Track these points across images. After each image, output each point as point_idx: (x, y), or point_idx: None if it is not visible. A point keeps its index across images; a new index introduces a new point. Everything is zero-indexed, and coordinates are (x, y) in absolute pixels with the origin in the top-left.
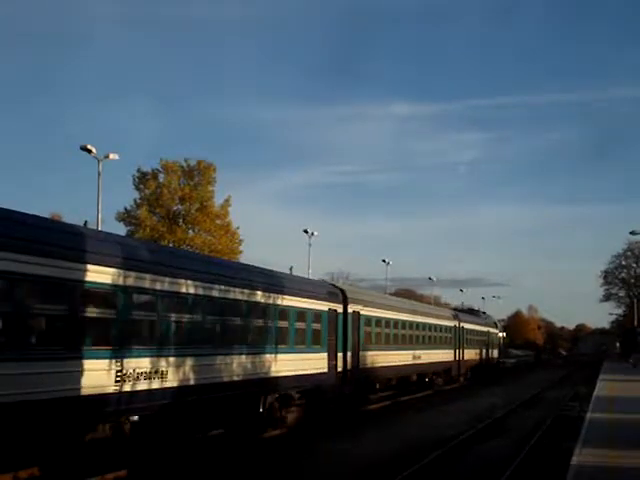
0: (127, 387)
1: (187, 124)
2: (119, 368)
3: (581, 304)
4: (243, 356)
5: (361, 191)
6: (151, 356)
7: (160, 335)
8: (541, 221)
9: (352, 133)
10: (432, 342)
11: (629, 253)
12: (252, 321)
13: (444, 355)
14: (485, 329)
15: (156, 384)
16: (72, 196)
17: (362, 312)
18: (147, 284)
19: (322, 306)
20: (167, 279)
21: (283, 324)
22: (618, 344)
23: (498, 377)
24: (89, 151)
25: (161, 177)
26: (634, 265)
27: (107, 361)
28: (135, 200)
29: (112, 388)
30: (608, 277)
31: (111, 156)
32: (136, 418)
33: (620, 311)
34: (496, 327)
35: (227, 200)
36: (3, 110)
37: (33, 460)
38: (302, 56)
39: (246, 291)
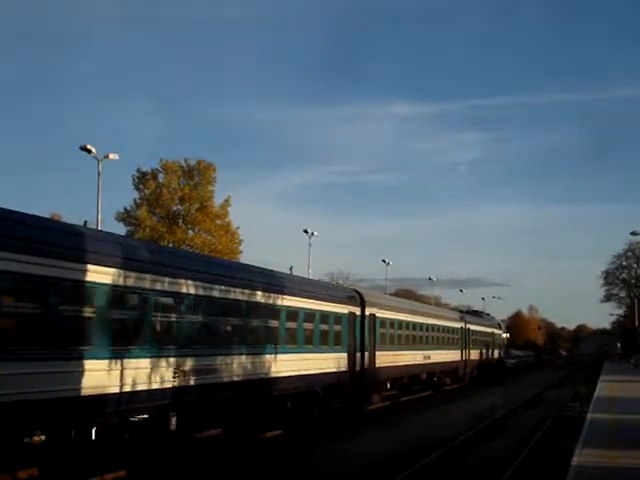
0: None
1: (187, 124)
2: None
3: (582, 304)
4: (272, 355)
5: (361, 191)
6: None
7: (218, 335)
8: (541, 221)
9: (352, 133)
10: (441, 343)
11: (630, 253)
12: (284, 324)
13: (452, 355)
14: (490, 330)
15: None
16: (72, 196)
17: (377, 314)
18: (239, 296)
19: (343, 309)
20: (252, 297)
21: (309, 326)
22: (619, 345)
23: (501, 377)
24: (89, 151)
25: (161, 177)
26: (635, 266)
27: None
28: (135, 200)
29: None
30: (609, 277)
31: (111, 156)
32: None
33: (621, 312)
34: (500, 328)
35: (227, 200)
36: (3, 110)
37: (33, 460)
38: (302, 56)
39: (280, 296)
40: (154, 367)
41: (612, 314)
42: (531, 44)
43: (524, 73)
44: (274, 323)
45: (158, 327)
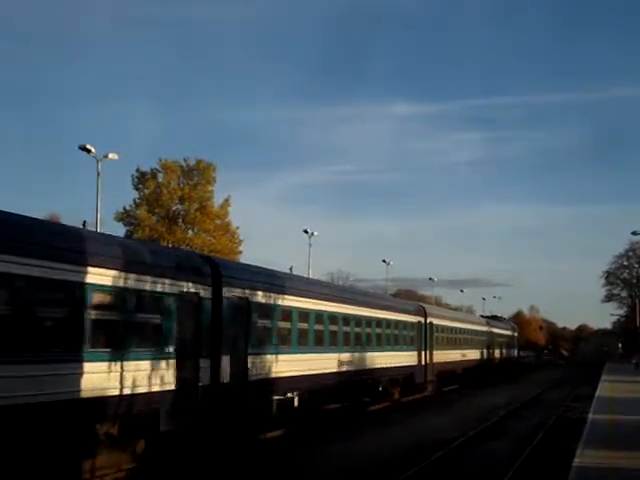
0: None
1: (187, 124)
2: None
3: (583, 304)
4: (372, 353)
5: (361, 191)
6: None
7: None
8: (542, 221)
9: (352, 133)
10: (471, 344)
11: (631, 253)
12: (382, 330)
13: (477, 353)
14: (508, 332)
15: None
16: (71, 196)
17: (434, 322)
18: (337, 309)
19: (415, 319)
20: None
21: (397, 332)
22: (620, 345)
23: (515, 371)
24: (88, 151)
25: (160, 177)
26: (636, 265)
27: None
28: (134, 200)
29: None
30: (610, 277)
31: (110, 156)
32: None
33: (622, 312)
34: (515, 330)
35: (227, 200)
36: (3, 110)
37: (33, 460)
38: (302, 56)
39: (379, 311)
40: (315, 359)
41: (613, 314)
42: (531, 44)
43: (524, 73)
44: (378, 330)
45: (332, 335)
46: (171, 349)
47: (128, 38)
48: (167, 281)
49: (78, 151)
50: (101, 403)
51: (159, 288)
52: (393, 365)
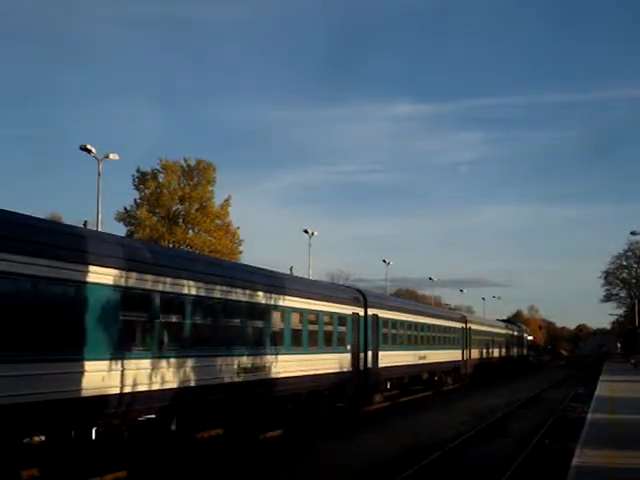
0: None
1: (187, 124)
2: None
3: (582, 304)
4: (434, 351)
5: (361, 191)
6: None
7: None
8: (541, 221)
9: (352, 133)
10: (496, 344)
11: (630, 253)
12: (441, 334)
13: (499, 351)
14: (520, 334)
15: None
16: (72, 196)
17: (473, 327)
18: (419, 320)
19: (460, 325)
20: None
21: (448, 335)
22: (619, 344)
23: (526, 369)
24: (89, 151)
25: (161, 177)
26: (635, 265)
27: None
28: (135, 200)
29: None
30: (609, 277)
31: (111, 156)
32: None
33: (621, 311)
34: (526, 332)
35: (227, 200)
36: (3, 110)
37: (32, 460)
38: (302, 56)
39: (439, 320)
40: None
41: (612, 314)
42: (531, 44)
43: (524, 73)
44: (438, 334)
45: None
46: (349, 347)
47: (128, 38)
48: (347, 307)
49: (79, 151)
50: (321, 377)
51: (343, 311)
52: (446, 360)
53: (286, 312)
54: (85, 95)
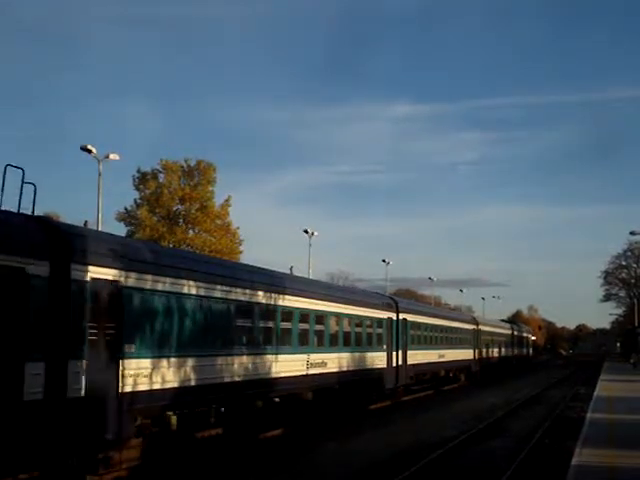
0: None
1: (187, 124)
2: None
3: (581, 304)
4: (451, 351)
5: (361, 191)
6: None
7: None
8: (541, 221)
9: (352, 133)
10: (502, 344)
11: (629, 253)
12: (458, 335)
13: (504, 351)
14: (524, 334)
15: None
16: (72, 196)
17: (482, 329)
18: (442, 323)
19: (472, 327)
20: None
21: (462, 336)
22: (618, 344)
23: (529, 366)
24: (89, 151)
25: (161, 177)
26: (634, 265)
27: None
28: (135, 200)
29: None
30: (608, 277)
31: (111, 156)
32: None
33: (620, 311)
34: (530, 333)
35: (227, 200)
36: (3, 110)
37: (33, 461)
38: (302, 56)
39: (456, 322)
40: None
41: (612, 314)
42: (531, 44)
43: (524, 73)
44: (455, 335)
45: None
46: (384, 347)
47: (128, 38)
48: (382, 312)
49: (79, 151)
50: (369, 371)
51: (380, 315)
52: (459, 359)
53: (341, 317)
54: (85, 95)
